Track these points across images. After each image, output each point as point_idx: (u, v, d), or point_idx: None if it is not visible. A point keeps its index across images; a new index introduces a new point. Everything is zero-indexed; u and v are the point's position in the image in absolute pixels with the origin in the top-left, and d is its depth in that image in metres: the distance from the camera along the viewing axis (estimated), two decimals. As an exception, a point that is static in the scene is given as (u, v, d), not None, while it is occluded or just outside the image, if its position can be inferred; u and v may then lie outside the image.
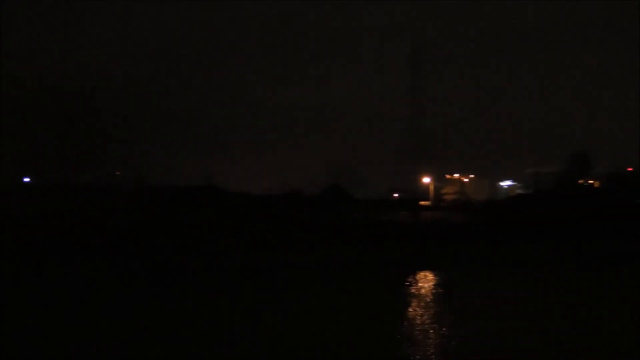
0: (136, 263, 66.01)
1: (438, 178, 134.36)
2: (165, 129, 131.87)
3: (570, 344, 33.51)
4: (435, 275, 61.80)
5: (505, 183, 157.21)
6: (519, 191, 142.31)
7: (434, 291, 52.90)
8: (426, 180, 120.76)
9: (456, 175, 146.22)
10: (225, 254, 68.48)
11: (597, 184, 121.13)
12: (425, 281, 58.52)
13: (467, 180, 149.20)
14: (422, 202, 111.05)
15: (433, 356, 30.99)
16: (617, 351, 32.08)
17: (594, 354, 31.55)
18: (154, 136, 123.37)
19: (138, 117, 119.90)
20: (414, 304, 46.18)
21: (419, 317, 40.57)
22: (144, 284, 58.70)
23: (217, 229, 73.53)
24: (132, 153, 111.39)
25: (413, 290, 52.55)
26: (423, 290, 52.74)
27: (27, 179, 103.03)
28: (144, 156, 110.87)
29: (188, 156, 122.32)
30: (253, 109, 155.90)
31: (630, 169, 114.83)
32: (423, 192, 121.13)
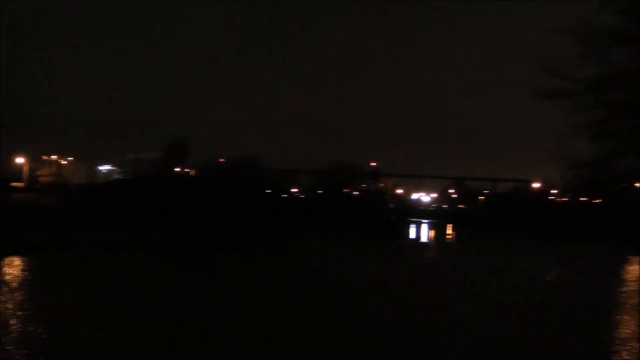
0: None
1: (34, 159, 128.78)
2: None
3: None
4: (22, 262, 59.20)
5: (105, 167, 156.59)
6: (117, 176, 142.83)
7: (21, 278, 50.66)
8: (20, 160, 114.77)
9: (54, 157, 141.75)
10: None
11: (193, 173, 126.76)
12: (11, 267, 55.74)
13: (65, 162, 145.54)
14: (15, 184, 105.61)
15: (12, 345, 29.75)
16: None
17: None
18: None
19: None
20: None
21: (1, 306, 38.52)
22: None
23: None
24: None
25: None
26: (8, 277, 50.17)
27: None
28: None
29: None
30: None
31: (222, 160, 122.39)
32: (16, 172, 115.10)
